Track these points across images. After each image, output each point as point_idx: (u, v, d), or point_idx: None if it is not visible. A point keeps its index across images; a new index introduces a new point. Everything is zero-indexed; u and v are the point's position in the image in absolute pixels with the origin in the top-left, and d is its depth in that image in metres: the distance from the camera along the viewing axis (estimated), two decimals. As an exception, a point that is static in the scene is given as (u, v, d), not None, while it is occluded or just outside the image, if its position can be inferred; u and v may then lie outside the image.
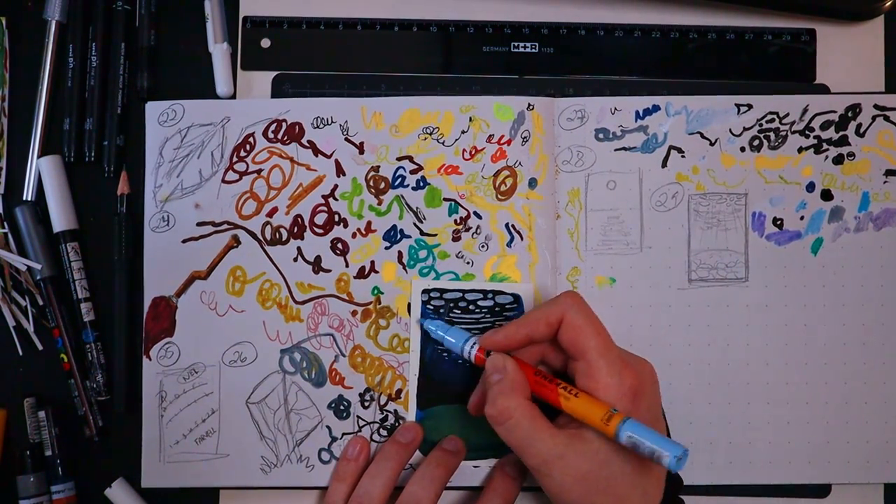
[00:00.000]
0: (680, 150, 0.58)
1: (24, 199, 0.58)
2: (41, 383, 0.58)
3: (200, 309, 0.57)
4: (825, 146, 0.58)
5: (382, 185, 0.57)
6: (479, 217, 0.57)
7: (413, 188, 0.57)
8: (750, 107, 0.58)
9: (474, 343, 0.51)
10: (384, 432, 0.56)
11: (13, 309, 0.58)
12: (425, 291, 0.56)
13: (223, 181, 0.57)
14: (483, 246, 0.57)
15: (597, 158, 0.57)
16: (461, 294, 0.56)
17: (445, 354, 0.56)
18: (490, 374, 0.49)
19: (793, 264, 0.57)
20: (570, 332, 0.48)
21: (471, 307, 0.56)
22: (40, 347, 0.58)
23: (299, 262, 0.57)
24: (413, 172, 0.57)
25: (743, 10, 0.59)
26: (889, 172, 0.57)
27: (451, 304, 0.56)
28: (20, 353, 0.58)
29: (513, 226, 0.57)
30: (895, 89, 0.59)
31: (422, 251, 0.57)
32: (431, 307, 0.56)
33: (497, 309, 0.56)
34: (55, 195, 0.58)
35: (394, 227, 0.57)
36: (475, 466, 0.56)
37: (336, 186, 0.57)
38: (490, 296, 0.56)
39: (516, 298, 0.56)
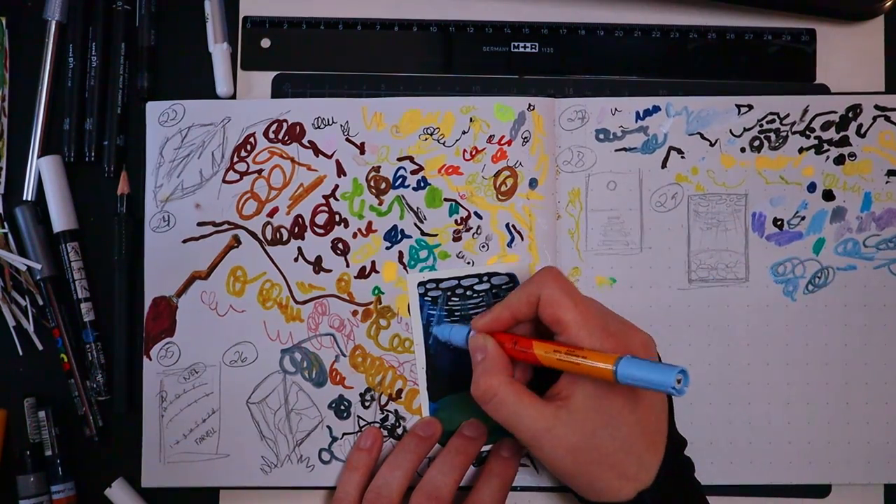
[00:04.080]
0: (680, 151, 0.58)
1: (24, 199, 0.58)
2: (41, 383, 0.58)
3: (201, 309, 0.57)
4: (826, 146, 0.58)
5: (383, 185, 0.57)
6: (480, 217, 0.57)
7: (414, 188, 0.57)
8: (750, 107, 0.58)
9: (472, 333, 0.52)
10: (385, 432, 0.56)
11: (13, 309, 0.58)
12: (421, 284, 0.56)
13: (224, 181, 0.57)
14: (483, 246, 0.57)
15: (597, 159, 0.57)
16: (457, 281, 0.56)
17: (450, 344, 0.56)
18: (474, 354, 0.50)
19: (793, 265, 0.57)
20: (548, 307, 0.48)
21: (468, 293, 0.56)
22: (40, 347, 0.58)
23: (300, 263, 0.57)
24: (414, 173, 0.57)
25: (743, 10, 0.59)
26: (891, 172, 0.57)
27: (448, 293, 0.56)
28: (20, 353, 0.58)
29: (513, 226, 0.57)
30: (895, 89, 0.59)
31: (422, 251, 0.57)
32: (429, 298, 0.56)
33: (494, 291, 0.56)
34: (55, 195, 0.58)
35: (394, 227, 0.57)
36: (484, 453, 0.56)
37: (337, 187, 0.57)
38: (486, 279, 0.56)
39: (511, 277, 0.56)
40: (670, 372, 0.42)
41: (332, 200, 0.57)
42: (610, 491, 0.48)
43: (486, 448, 0.56)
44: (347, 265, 0.57)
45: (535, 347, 0.48)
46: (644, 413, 0.48)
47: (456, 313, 0.56)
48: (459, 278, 0.57)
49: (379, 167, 0.57)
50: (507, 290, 0.56)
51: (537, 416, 0.47)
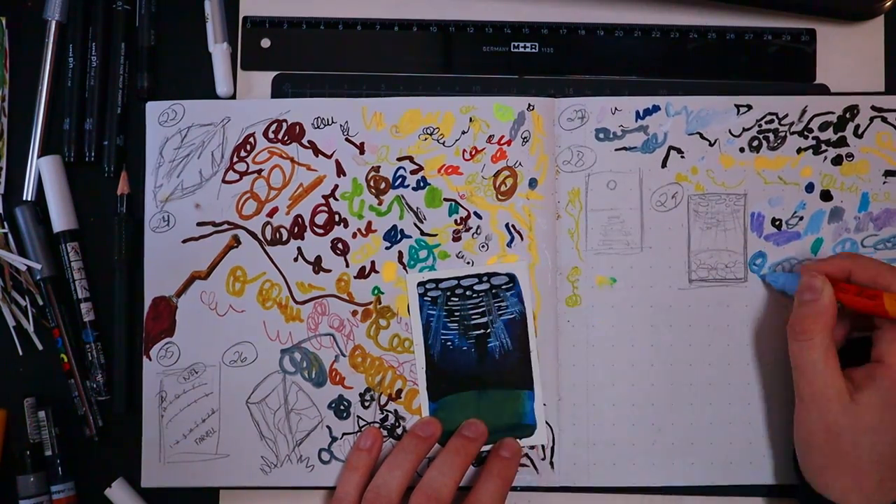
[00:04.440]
0: (679, 151, 0.58)
1: (24, 199, 0.58)
2: (41, 383, 0.58)
3: (201, 309, 0.57)
4: (824, 147, 0.58)
5: (383, 185, 0.57)
6: (480, 217, 0.57)
7: (413, 188, 0.57)
8: (749, 107, 0.58)
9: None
10: (384, 432, 0.56)
11: (13, 309, 0.58)
12: (420, 284, 0.57)
13: (223, 181, 0.57)
14: (483, 246, 0.57)
15: (597, 158, 0.58)
16: (456, 282, 0.56)
17: (450, 343, 0.56)
18: (803, 292, 0.51)
19: (792, 264, 0.57)
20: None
21: (467, 293, 0.56)
22: (40, 347, 0.58)
23: (300, 262, 0.57)
24: (413, 173, 0.57)
25: (743, 10, 0.60)
26: (888, 173, 0.58)
27: (448, 293, 0.56)
28: (20, 353, 0.58)
29: (513, 226, 0.57)
30: (895, 89, 0.59)
31: (422, 251, 0.57)
32: (429, 298, 0.56)
33: (494, 291, 0.56)
34: (55, 195, 0.58)
35: (394, 227, 0.57)
36: (483, 453, 0.56)
37: (336, 186, 0.57)
38: (485, 279, 0.56)
39: (511, 278, 0.56)
40: None
41: (331, 200, 0.57)
42: (839, 490, 0.48)
43: (486, 448, 0.56)
44: (347, 265, 0.57)
45: (885, 298, 0.48)
46: None
47: (455, 313, 0.56)
48: (459, 278, 0.57)
49: (378, 167, 0.57)
50: (506, 290, 0.56)
51: (831, 381, 0.48)
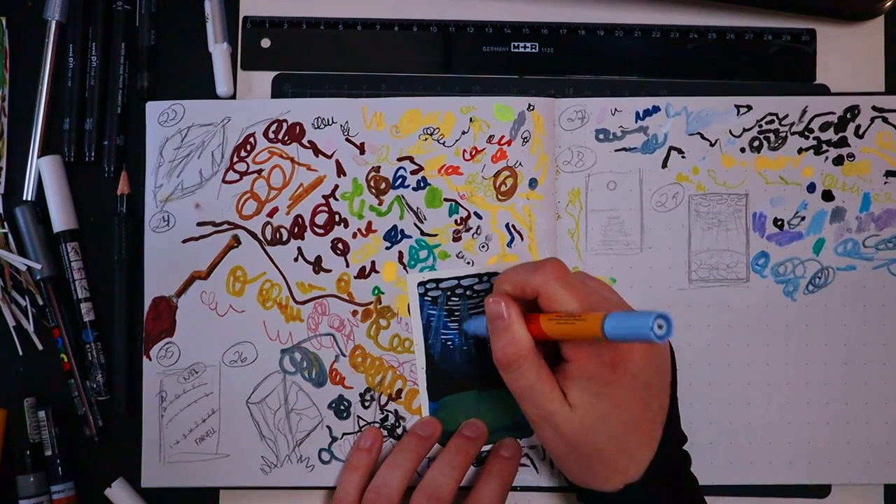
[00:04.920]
0: (680, 151, 0.58)
1: (24, 199, 0.58)
2: (41, 383, 0.58)
3: (201, 309, 0.57)
4: (825, 147, 0.58)
5: (383, 185, 0.57)
6: (480, 217, 0.57)
7: (413, 188, 0.57)
8: (749, 108, 0.58)
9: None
10: (384, 432, 0.56)
11: (13, 309, 0.58)
12: (421, 284, 0.56)
13: (223, 181, 0.57)
14: (483, 246, 0.57)
15: (597, 159, 0.57)
16: (457, 282, 0.56)
17: (450, 343, 0.56)
18: (492, 320, 0.49)
19: (794, 265, 0.57)
20: (550, 304, 0.47)
21: (468, 293, 0.56)
22: (40, 347, 0.58)
23: (300, 263, 0.57)
24: (414, 173, 0.57)
25: (743, 10, 0.59)
26: (889, 173, 0.57)
27: (448, 293, 0.56)
28: (20, 353, 0.58)
29: (513, 226, 0.57)
30: (895, 89, 0.59)
31: (422, 251, 0.57)
32: (429, 298, 0.56)
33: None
34: (55, 195, 0.58)
35: (394, 227, 0.57)
36: (484, 454, 0.56)
37: (337, 187, 0.57)
38: (485, 279, 0.56)
39: None
40: (648, 316, 0.41)
41: (331, 200, 0.57)
42: (598, 481, 0.49)
43: (486, 448, 0.56)
44: (347, 265, 0.57)
45: (541, 320, 0.47)
46: (640, 410, 0.48)
47: (456, 313, 0.56)
48: (459, 278, 0.57)
49: (379, 167, 0.57)
50: None
51: (550, 398, 0.48)
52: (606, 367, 0.47)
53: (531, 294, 0.48)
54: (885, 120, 0.58)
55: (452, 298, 0.56)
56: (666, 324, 0.41)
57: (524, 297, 0.49)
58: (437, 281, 0.57)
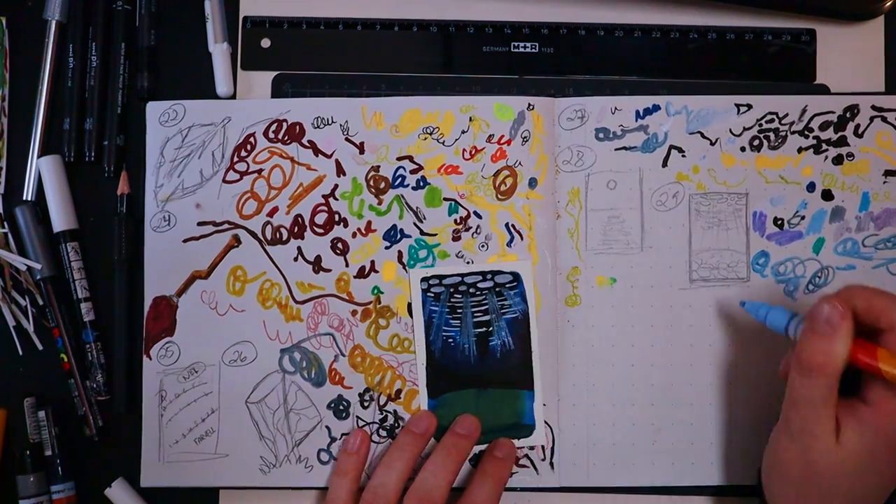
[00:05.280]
0: (680, 150, 0.58)
1: (24, 199, 0.58)
2: (41, 383, 0.58)
3: (201, 308, 0.57)
4: (824, 146, 0.58)
5: (382, 184, 0.57)
6: (479, 217, 0.57)
7: (413, 188, 0.57)
8: (749, 107, 0.58)
9: (800, 321, 0.48)
10: (384, 432, 0.56)
11: (13, 309, 0.58)
12: (424, 279, 0.56)
13: (224, 181, 0.57)
14: (483, 246, 0.57)
15: (597, 158, 0.57)
16: (460, 278, 0.56)
17: (451, 341, 0.56)
18: (818, 322, 0.46)
19: (794, 264, 0.57)
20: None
21: (471, 290, 0.56)
22: (40, 347, 0.58)
23: (299, 262, 0.57)
24: (413, 172, 0.57)
25: (743, 10, 0.59)
26: (888, 173, 0.57)
27: (451, 289, 0.56)
28: (20, 353, 0.58)
29: (513, 225, 0.57)
30: (895, 89, 0.59)
31: (422, 251, 0.57)
32: (432, 294, 0.56)
33: (497, 289, 0.56)
34: (55, 195, 0.58)
35: (394, 226, 0.57)
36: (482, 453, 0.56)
37: (336, 186, 0.57)
38: (489, 276, 0.56)
39: (515, 276, 0.56)
40: None
41: (331, 200, 0.57)
42: None
43: (482, 448, 0.56)
44: (347, 265, 0.57)
45: (880, 354, 0.45)
46: (887, 482, 0.47)
47: (458, 311, 0.56)
48: (463, 275, 0.57)
49: (378, 167, 0.57)
50: (510, 288, 0.56)
51: (823, 421, 0.45)
52: None
53: (875, 320, 0.46)
54: (884, 119, 0.58)
55: (455, 295, 0.56)
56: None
57: (864, 320, 0.46)
58: (441, 277, 0.57)
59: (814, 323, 0.46)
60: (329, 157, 0.57)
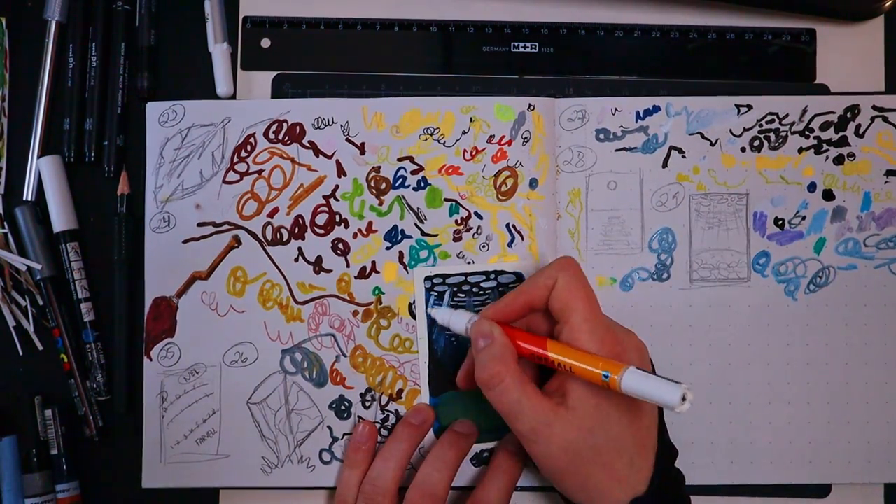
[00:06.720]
0: (681, 151, 0.58)
1: (24, 199, 0.58)
2: (41, 383, 0.58)
3: (201, 309, 0.57)
4: (825, 147, 0.58)
5: (383, 185, 0.57)
6: (480, 217, 0.57)
7: (414, 188, 0.57)
8: (749, 107, 0.58)
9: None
10: (385, 432, 0.56)
11: (13, 309, 0.58)
12: (428, 278, 0.56)
13: (224, 181, 0.57)
14: (484, 246, 0.57)
15: (597, 159, 0.57)
16: (464, 277, 0.56)
17: (454, 340, 0.56)
18: (477, 339, 0.50)
19: (795, 264, 0.57)
20: (562, 293, 0.48)
21: (474, 289, 0.56)
22: (40, 347, 0.58)
23: (300, 263, 0.57)
24: (414, 173, 0.57)
25: (743, 10, 0.60)
26: (889, 172, 0.58)
27: (455, 288, 0.56)
28: (20, 353, 0.58)
29: (513, 226, 0.57)
30: (895, 89, 0.59)
31: (423, 251, 0.57)
32: (435, 293, 0.56)
33: (500, 289, 0.56)
34: (55, 195, 0.58)
35: (395, 227, 0.57)
36: (486, 452, 0.56)
37: (337, 187, 0.57)
38: (493, 276, 0.56)
39: (519, 277, 0.56)
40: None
41: (332, 201, 0.57)
42: (602, 494, 0.47)
43: (490, 445, 0.56)
44: (348, 265, 0.57)
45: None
46: (635, 416, 0.48)
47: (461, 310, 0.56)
48: (467, 275, 0.57)
49: (379, 167, 0.57)
50: (513, 288, 0.56)
51: (539, 410, 0.47)
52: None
53: (548, 289, 0.49)
54: (885, 119, 0.58)
55: (458, 294, 0.56)
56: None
57: (540, 304, 0.50)
58: (444, 276, 0.57)
59: (474, 345, 0.50)
60: (330, 157, 0.57)
